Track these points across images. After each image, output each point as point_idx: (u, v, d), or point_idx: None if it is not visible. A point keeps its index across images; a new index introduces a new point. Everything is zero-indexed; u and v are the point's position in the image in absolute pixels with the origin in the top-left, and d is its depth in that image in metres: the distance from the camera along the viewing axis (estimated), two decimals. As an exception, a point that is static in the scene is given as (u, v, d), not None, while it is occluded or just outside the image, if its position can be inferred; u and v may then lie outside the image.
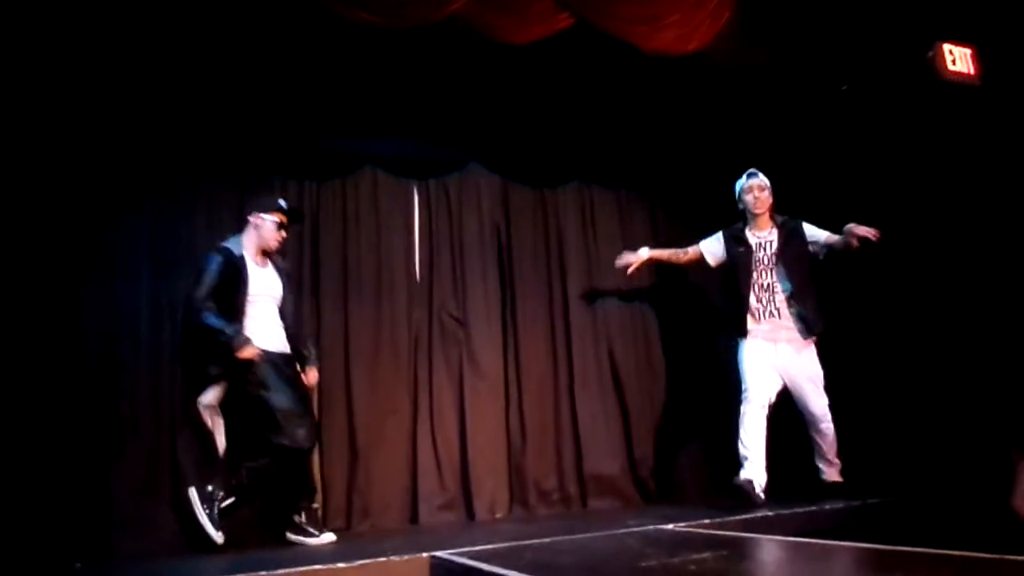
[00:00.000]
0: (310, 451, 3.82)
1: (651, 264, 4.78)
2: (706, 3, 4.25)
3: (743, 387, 4.10)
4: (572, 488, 4.78)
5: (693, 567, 2.12)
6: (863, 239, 3.99)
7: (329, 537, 3.75)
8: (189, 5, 3.81)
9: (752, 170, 4.34)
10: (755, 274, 4.22)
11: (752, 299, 4.20)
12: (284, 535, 3.76)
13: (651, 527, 3.26)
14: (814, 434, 4.15)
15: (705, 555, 2.32)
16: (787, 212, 4.39)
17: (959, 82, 4.36)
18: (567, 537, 3.07)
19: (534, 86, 4.84)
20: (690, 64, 4.46)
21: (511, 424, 4.77)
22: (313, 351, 4.07)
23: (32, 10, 3.63)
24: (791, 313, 4.13)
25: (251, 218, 3.90)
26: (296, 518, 3.76)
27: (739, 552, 2.37)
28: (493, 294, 4.92)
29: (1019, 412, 3.68)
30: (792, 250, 4.22)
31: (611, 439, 4.94)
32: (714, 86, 4.88)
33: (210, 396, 3.74)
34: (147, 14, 3.80)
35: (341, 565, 2.69)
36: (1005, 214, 4.09)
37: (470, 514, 4.50)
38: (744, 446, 3.99)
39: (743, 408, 4.06)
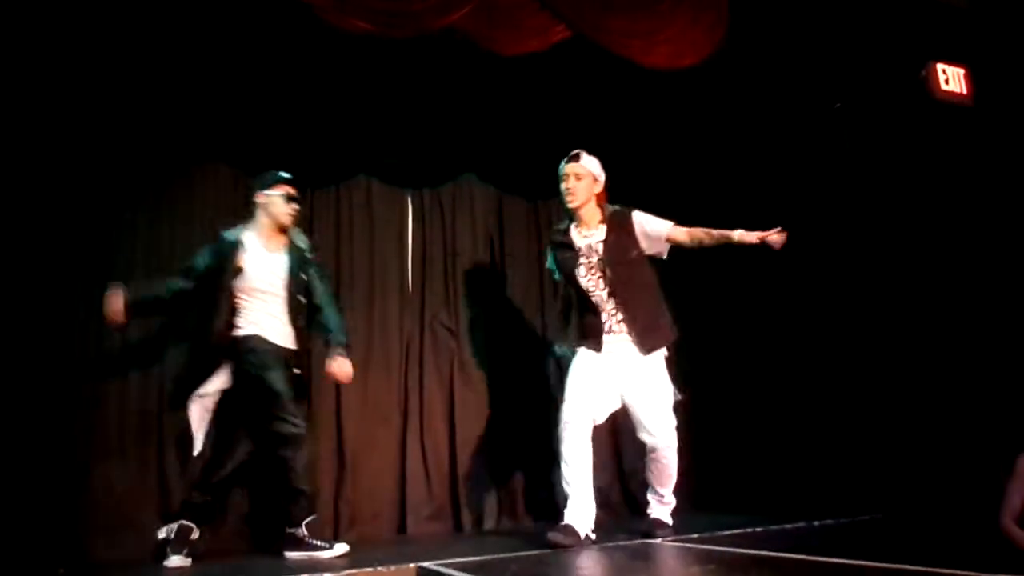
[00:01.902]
0: (303, 439, 3.52)
1: None
2: (701, 19, 4.28)
3: (561, 408, 3.52)
4: (562, 501, 4.75)
5: (681, 581, 2.11)
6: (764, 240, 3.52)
7: (343, 548, 3.50)
8: (188, 15, 3.82)
9: (574, 151, 3.67)
10: (584, 280, 3.57)
11: (584, 310, 3.59)
12: (281, 554, 3.49)
13: (639, 541, 3.26)
14: (649, 462, 3.62)
15: (694, 570, 2.31)
16: (787, 230, 4.39)
17: (952, 102, 4.39)
18: (554, 550, 3.06)
19: (529, 98, 4.86)
20: (684, 80, 4.48)
21: (501, 435, 4.75)
22: (341, 338, 3.74)
23: (41, 19, 3.64)
24: (626, 324, 3.52)
25: (257, 200, 3.71)
26: (298, 532, 3.47)
27: (727, 567, 2.36)
28: (485, 304, 4.91)
29: (1008, 430, 3.69)
30: (622, 250, 3.58)
31: (600, 451, 4.87)
32: (708, 102, 4.91)
33: (209, 387, 3.55)
34: (147, 23, 3.83)
35: (328, 575, 2.67)
36: (998, 232, 4.12)
37: (458, 525, 4.47)
38: (566, 481, 3.39)
39: (561, 433, 3.45)
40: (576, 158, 3.62)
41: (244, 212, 3.93)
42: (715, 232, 3.59)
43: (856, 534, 3.48)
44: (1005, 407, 3.82)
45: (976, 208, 4.21)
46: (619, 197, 5.37)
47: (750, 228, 5.15)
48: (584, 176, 3.61)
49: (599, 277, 3.54)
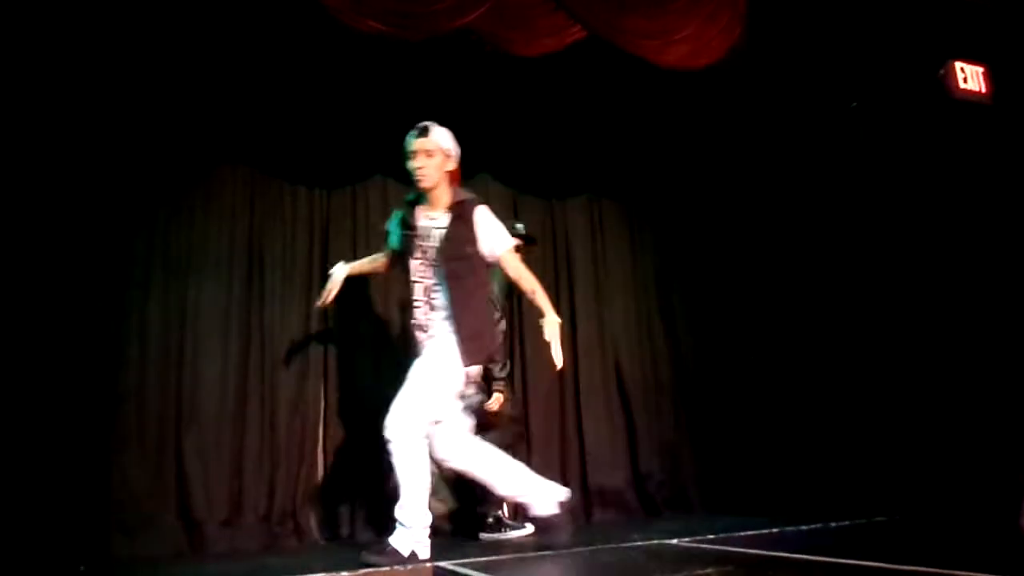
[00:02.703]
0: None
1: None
2: (718, 18, 4.26)
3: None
4: (577, 501, 4.76)
5: (697, 583, 2.12)
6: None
7: (531, 528, 3.76)
8: (205, 17, 3.85)
9: (423, 124, 3.29)
10: (417, 268, 3.21)
11: (413, 302, 3.21)
12: (476, 536, 3.87)
13: (655, 541, 3.25)
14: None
15: (709, 570, 2.31)
16: (794, 228, 4.32)
17: (971, 101, 4.35)
18: (571, 550, 3.06)
19: (544, 98, 4.86)
20: (700, 79, 4.46)
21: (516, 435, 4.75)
22: None
23: (64, 24, 3.68)
24: (449, 326, 3.13)
25: None
26: (494, 516, 3.88)
27: (743, 568, 2.36)
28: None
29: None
30: (461, 243, 3.18)
31: (616, 452, 4.93)
32: (724, 101, 4.89)
33: None
34: (166, 26, 3.86)
35: (345, 574, 2.69)
36: (1016, 231, 4.08)
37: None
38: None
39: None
40: (425, 131, 3.23)
41: (260, 212, 3.98)
42: (528, 291, 3.26)
43: (872, 536, 3.46)
44: (1022, 406, 3.79)
45: (993, 207, 4.17)
46: (635, 194, 5.42)
47: (763, 227, 5.19)
48: (435, 152, 3.22)
49: (430, 267, 3.18)
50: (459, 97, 4.75)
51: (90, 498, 3.68)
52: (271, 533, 4.07)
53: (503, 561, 2.78)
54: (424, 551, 2.91)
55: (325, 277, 4.50)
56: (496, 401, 3.98)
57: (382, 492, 3.79)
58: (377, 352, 4.52)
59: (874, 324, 4.55)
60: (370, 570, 2.73)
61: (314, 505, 4.24)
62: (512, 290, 4.06)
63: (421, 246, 3.18)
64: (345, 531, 4.22)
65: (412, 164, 3.21)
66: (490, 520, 3.92)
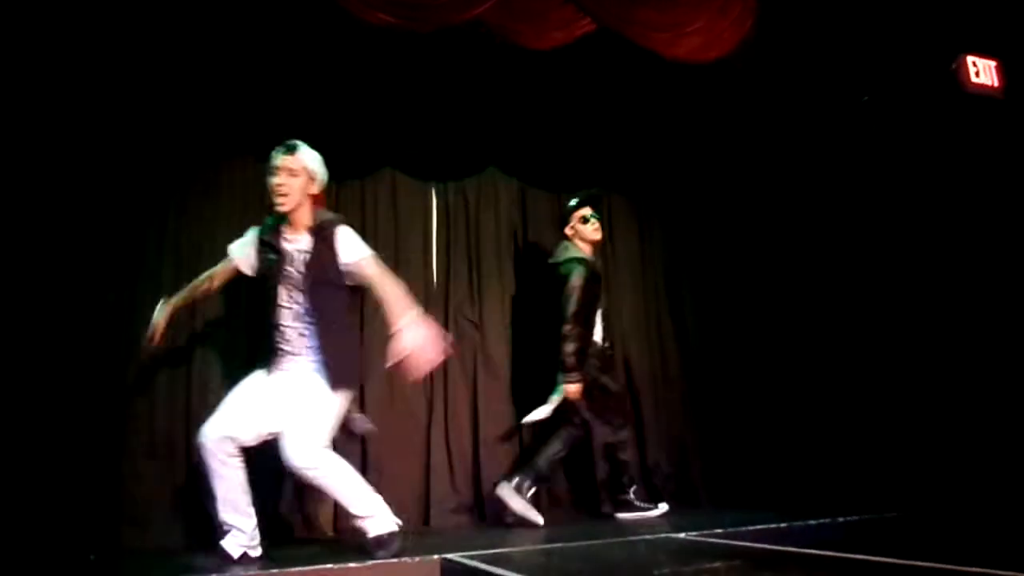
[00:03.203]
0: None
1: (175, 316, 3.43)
2: (729, 11, 4.24)
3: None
4: (585, 493, 4.77)
5: (705, 576, 2.12)
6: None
7: (664, 507, 4.18)
8: (214, 10, 3.85)
9: (290, 142, 3.15)
10: (283, 293, 3.12)
11: (275, 329, 3.12)
12: (614, 516, 4.26)
13: (663, 535, 3.26)
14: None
15: (717, 564, 2.31)
16: (804, 223, 4.31)
17: (983, 95, 4.33)
18: (579, 543, 3.07)
19: (553, 91, 4.85)
20: (711, 72, 4.45)
21: (524, 428, 4.76)
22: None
23: (69, 19, 3.69)
24: (313, 353, 3.10)
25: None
26: (628, 496, 4.24)
27: (751, 563, 2.36)
28: (509, 297, 4.92)
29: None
30: (324, 267, 3.12)
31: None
32: (734, 95, 4.88)
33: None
34: (171, 19, 3.86)
35: (353, 565, 2.70)
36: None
37: (482, 517, 4.49)
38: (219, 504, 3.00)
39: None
40: (292, 150, 3.11)
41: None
42: (389, 303, 3.05)
43: (881, 531, 3.46)
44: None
45: (1006, 202, 4.15)
46: (644, 188, 5.41)
47: (773, 222, 5.18)
48: (299, 173, 3.10)
49: (295, 291, 3.10)
50: (468, 90, 4.76)
51: (101, 489, 3.70)
52: (280, 524, 4.09)
53: (510, 554, 2.79)
54: (256, 551, 3.03)
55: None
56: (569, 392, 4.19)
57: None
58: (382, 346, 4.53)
59: (885, 317, 4.54)
60: (377, 562, 2.74)
61: (322, 497, 4.25)
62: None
63: (287, 271, 3.09)
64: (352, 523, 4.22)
65: (273, 181, 3.07)
66: (622, 499, 4.30)
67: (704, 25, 4.19)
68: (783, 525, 3.40)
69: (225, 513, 2.97)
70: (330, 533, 4.21)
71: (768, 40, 4.40)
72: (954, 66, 4.31)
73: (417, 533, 4.07)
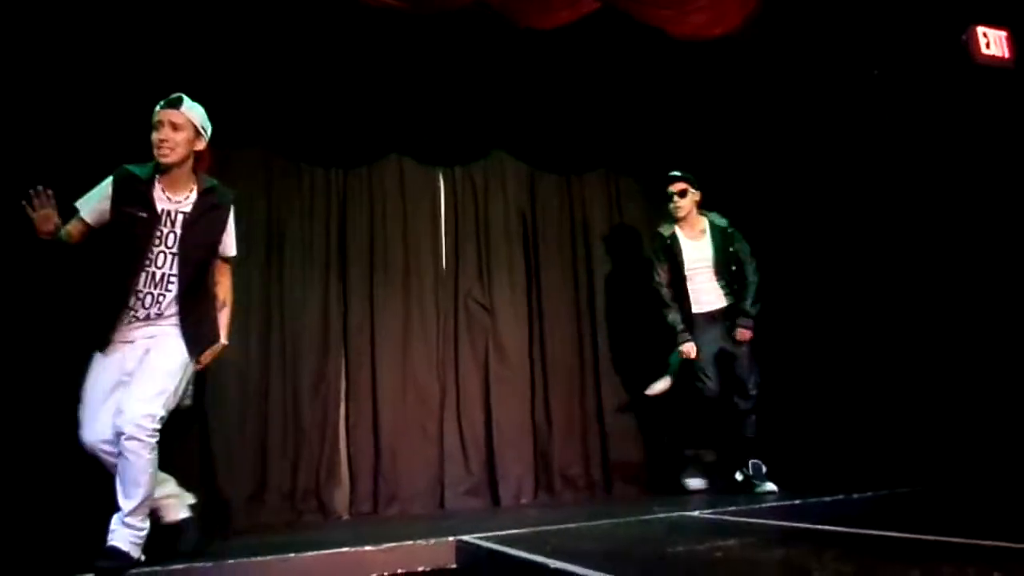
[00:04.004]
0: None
1: None
2: (735, -14, 4.20)
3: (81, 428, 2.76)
4: (597, 475, 4.79)
5: (719, 553, 2.12)
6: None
7: (772, 486, 4.11)
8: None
9: (175, 95, 2.89)
10: (147, 253, 2.81)
11: (135, 298, 2.81)
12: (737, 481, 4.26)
13: (676, 514, 3.27)
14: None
15: (731, 542, 2.31)
16: (814, 200, 4.26)
17: (993, 65, 4.28)
18: (592, 523, 3.08)
19: (559, 73, 4.83)
20: (717, 50, 4.41)
21: (536, 410, 4.78)
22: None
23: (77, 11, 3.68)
24: (175, 317, 2.85)
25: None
26: (744, 472, 4.22)
27: (765, 540, 2.36)
28: (519, 280, 4.93)
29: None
30: (205, 232, 2.93)
31: (636, 426, 4.93)
32: (741, 73, 4.83)
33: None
34: (181, 8, 3.84)
35: (369, 548, 2.72)
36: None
37: (496, 500, 4.52)
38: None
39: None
40: (176, 103, 2.85)
41: (277, 193, 3.97)
42: (222, 301, 3.05)
43: (895, 507, 3.45)
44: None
45: (1019, 173, 4.10)
46: (652, 169, 5.37)
47: (781, 200, 5.14)
48: (183, 127, 2.85)
49: (165, 262, 2.84)
50: (473, 74, 4.74)
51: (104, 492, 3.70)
52: (295, 509, 4.13)
53: (524, 534, 2.80)
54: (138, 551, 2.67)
55: (343, 256, 4.56)
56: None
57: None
58: (404, 329, 4.56)
59: (895, 294, 4.50)
60: (396, 544, 2.76)
61: (337, 481, 4.30)
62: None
63: (159, 231, 2.82)
64: (367, 507, 4.26)
65: (156, 136, 2.82)
66: (740, 477, 4.26)
67: (709, 2, 4.14)
68: (797, 502, 3.40)
69: (134, 512, 2.65)
70: (345, 517, 4.25)
71: (775, 15, 4.34)
72: (964, 37, 4.26)
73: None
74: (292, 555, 2.65)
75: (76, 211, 2.84)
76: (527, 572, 2.23)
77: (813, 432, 4.67)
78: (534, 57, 4.60)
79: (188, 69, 4.13)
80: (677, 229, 4.46)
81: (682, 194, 4.44)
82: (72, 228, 2.82)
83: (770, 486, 4.10)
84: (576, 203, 5.18)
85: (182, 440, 3.94)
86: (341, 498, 4.31)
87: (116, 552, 2.58)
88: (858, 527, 2.54)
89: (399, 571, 2.73)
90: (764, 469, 4.18)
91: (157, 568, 2.56)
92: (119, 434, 2.60)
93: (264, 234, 4.40)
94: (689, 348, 4.31)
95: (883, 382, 4.45)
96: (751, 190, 5.25)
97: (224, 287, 3.09)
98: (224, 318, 3.07)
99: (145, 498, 2.66)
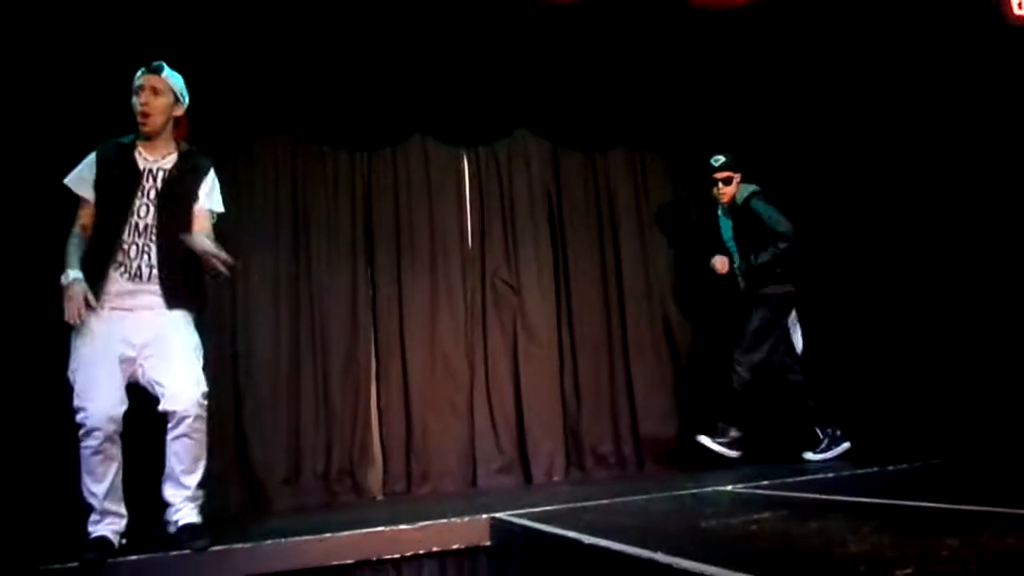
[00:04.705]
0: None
1: None
2: (760, -48, 4.12)
3: (79, 410, 2.63)
4: (628, 451, 4.79)
5: (754, 527, 2.12)
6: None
7: (846, 445, 4.25)
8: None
9: (156, 62, 2.93)
10: (133, 213, 2.83)
11: (120, 250, 2.81)
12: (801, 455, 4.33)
13: (709, 488, 3.27)
14: (170, 442, 2.77)
15: (765, 515, 2.31)
16: (844, 173, 4.20)
17: (1027, 25, 4.18)
18: (625, 499, 3.09)
19: (581, 49, 4.78)
20: (741, 20, 4.34)
21: (566, 388, 4.79)
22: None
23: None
24: (159, 276, 2.83)
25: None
26: (820, 435, 4.32)
27: (800, 512, 2.36)
28: (545, 259, 4.92)
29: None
30: (185, 195, 2.95)
31: (666, 402, 4.93)
32: (766, 44, 4.75)
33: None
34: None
35: (404, 527, 2.75)
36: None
37: (527, 478, 4.55)
38: (91, 494, 2.67)
39: (84, 444, 2.64)
40: (157, 70, 2.90)
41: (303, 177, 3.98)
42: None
43: (930, 478, 3.43)
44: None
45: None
46: (677, 144, 5.31)
47: (810, 174, 5.06)
48: (163, 92, 2.91)
49: (147, 213, 2.86)
50: (494, 51, 4.71)
51: (152, 458, 3.76)
52: (330, 490, 4.19)
53: (558, 511, 2.82)
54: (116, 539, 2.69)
55: (370, 239, 4.58)
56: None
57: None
58: (432, 309, 4.58)
59: (930, 263, 4.43)
60: (431, 522, 2.79)
61: (371, 462, 4.34)
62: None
63: (142, 186, 2.87)
64: (400, 487, 4.31)
65: (137, 100, 2.87)
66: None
67: (732, -31, 4.08)
68: (830, 475, 3.39)
69: (108, 500, 2.69)
70: (379, 497, 4.30)
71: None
72: (996, -2, 4.16)
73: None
74: (328, 535, 2.69)
75: (75, 198, 2.86)
76: (561, 548, 2.24)
77: (842, 405, 4.63)
78: (555, 33, 4.55)
79: (210, 57, 4.16)
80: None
81: (727, 181, 4.53)
82: (84, 220, 2.85)
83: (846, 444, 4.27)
84: (601, 180, 5.15)
85: (218, 425, 4.01)
86: (375, 478, 4.36)
87: (196, 528, 2.71)
88: (894, 499, 2.53)
89: (434, 549, 2.77)
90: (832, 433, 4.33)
91: (196, 549, 2.60)
92: (183, 418, 2.69)
93: (291, 220, 4.43)
94: (722, 263, 4.58)
95: (915, 355, 4.39)
96: (775, 166, 5.18)
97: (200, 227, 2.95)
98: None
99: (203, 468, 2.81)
